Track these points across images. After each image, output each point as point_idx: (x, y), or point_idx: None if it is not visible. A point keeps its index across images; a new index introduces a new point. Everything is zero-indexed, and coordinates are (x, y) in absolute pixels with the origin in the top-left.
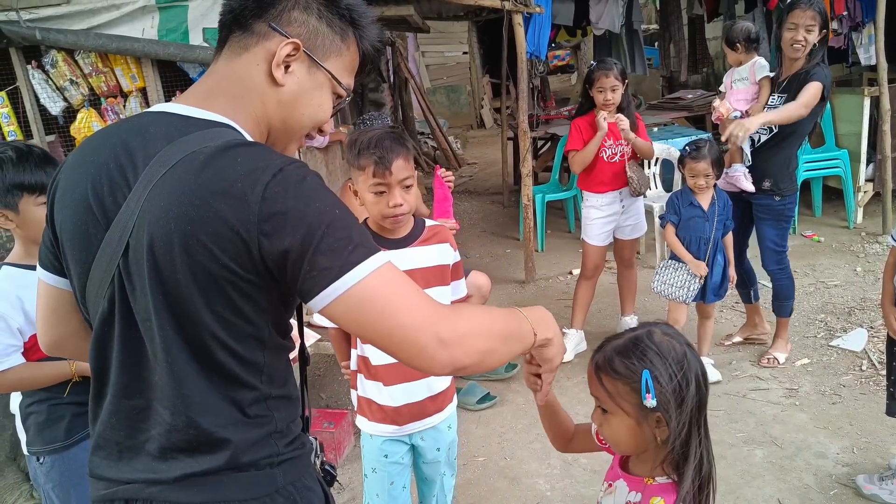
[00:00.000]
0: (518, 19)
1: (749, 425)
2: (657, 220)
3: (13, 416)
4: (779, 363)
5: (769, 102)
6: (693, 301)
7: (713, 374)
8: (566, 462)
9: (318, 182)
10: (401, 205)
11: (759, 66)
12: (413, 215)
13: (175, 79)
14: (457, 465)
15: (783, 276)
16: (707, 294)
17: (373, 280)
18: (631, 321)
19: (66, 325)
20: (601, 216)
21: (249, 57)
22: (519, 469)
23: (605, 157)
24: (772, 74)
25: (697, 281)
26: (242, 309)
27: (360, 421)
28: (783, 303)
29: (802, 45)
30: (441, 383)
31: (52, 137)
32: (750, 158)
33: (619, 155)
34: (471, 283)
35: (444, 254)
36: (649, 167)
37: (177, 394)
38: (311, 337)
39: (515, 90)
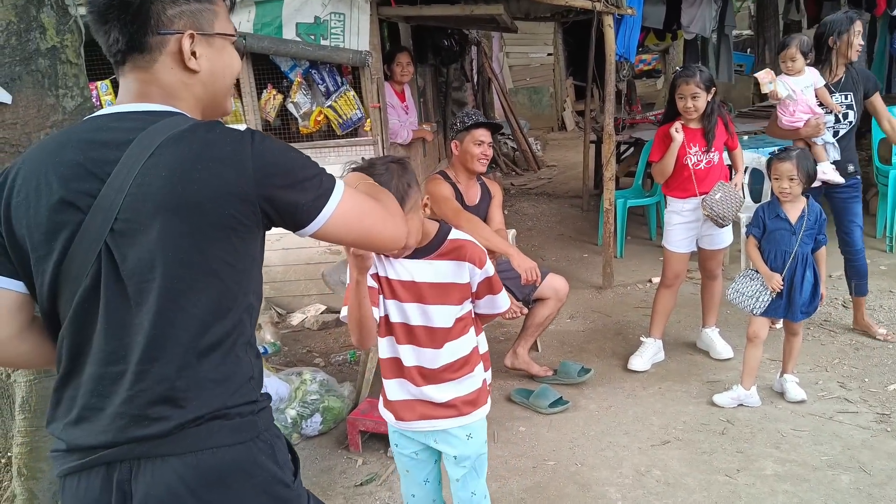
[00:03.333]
0: (609, 21)
1: (835, 449)
2: (743, 231)
3: None
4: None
5: (833, 101)
6: (768, 315)
7: (798, 393)
8: (639, 472)
9: (276, 138)
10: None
11: (817, 76)
12: (440, 223)
13: (266, 72)
14: (523, 470)
15: (863, 253)
16: (794, 311)
17: (345, 199)
18: (713, 333)
19: (8, 327)
20: (683, 222)
21: (160, 67)
22: (589, 476)
23: (689, 165)
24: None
25: (769, 294)
26: (240, 251)
27: (380, 404)
28: (865, 281)
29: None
30: (453, 391)
31: None
32: (838, 154)
33: (704, 163)
34: (548, 286)
35: (461, 271)
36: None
37: (171, 346)
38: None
39: (601, 93)
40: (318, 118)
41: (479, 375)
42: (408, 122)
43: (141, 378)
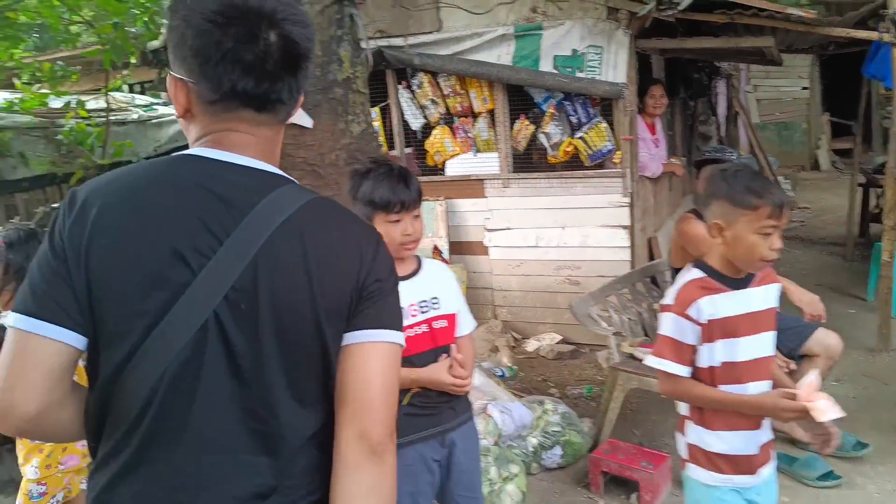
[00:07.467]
0: None
1: None
2: None
3: None
4: None
5: None
6: None
7: None
8: None
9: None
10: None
11: None
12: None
13: (520, 102)
14: None
15: None
16: None
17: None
18: None
19: (57, 390)
20: None
21: (282, 126)
22: None
23: None
24: None
25: None
26: (332, 346)
27: (693, 469)
28: None
29: None
30: (769, 433)
31: (409, 150)
32: None
33: None
34: (817, 341)
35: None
36: None
37: (286, 435)
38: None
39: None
40: (568, 148)
41: None
42: (657, 155)
43: (244, 470)
